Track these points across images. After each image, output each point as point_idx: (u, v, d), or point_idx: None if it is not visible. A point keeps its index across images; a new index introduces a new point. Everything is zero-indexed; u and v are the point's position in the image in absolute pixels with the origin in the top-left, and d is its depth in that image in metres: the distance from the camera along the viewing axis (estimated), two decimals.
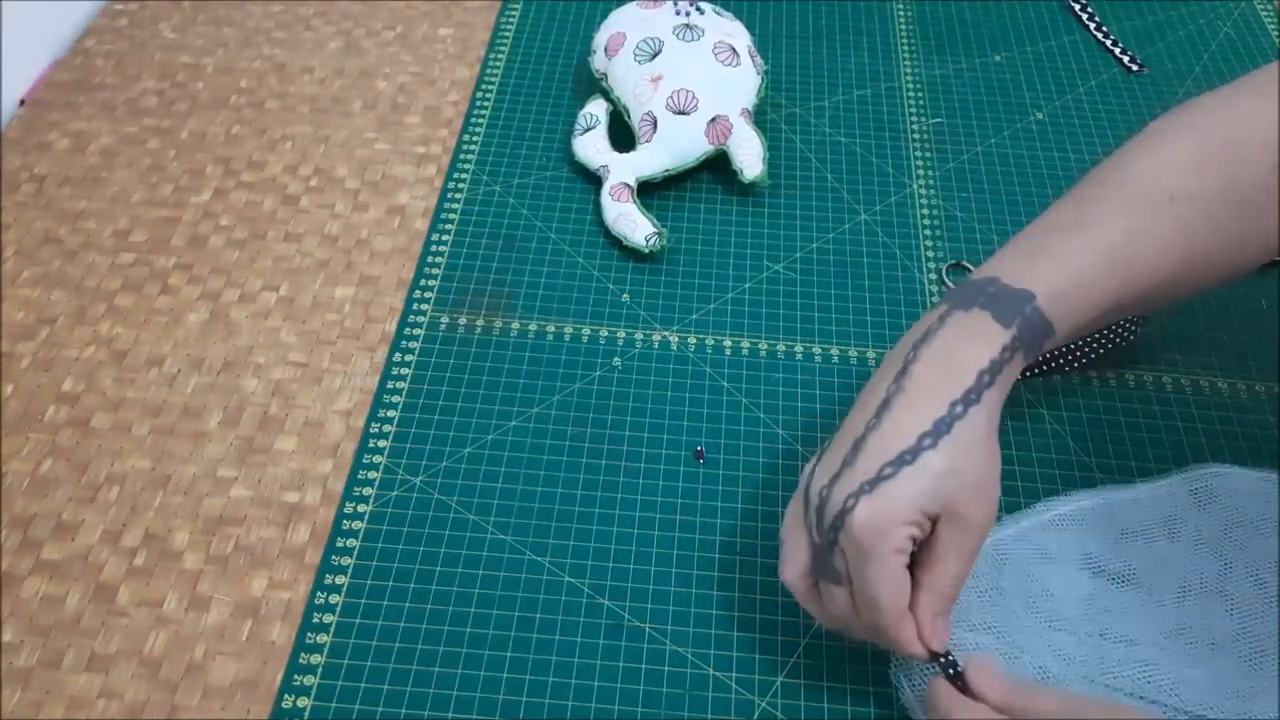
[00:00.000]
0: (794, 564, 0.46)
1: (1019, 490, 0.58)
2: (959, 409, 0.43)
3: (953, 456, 0.43)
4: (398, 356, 0.64)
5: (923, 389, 0.44)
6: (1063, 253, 0.47)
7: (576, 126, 0.75)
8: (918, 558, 0.44)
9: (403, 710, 0.50)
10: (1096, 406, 0.62)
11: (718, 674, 0.52)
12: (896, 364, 0.46)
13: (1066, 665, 0.47)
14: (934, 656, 0.44)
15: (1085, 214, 0.48)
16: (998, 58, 0.86)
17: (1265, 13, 0.91)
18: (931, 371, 0.44)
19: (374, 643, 0.52)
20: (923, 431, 0.43)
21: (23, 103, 0.80)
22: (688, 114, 0.71)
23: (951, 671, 0.44)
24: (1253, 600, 0.50)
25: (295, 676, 0.51)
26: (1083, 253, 0.46)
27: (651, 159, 0.72)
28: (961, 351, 0.44)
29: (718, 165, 0.74)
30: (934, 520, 0.43)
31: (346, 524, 0.56)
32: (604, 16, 0.81)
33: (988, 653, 0.47)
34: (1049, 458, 0.60)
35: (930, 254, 0.70)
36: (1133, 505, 0.52)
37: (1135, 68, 0.85)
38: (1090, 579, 0.50)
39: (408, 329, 0.65)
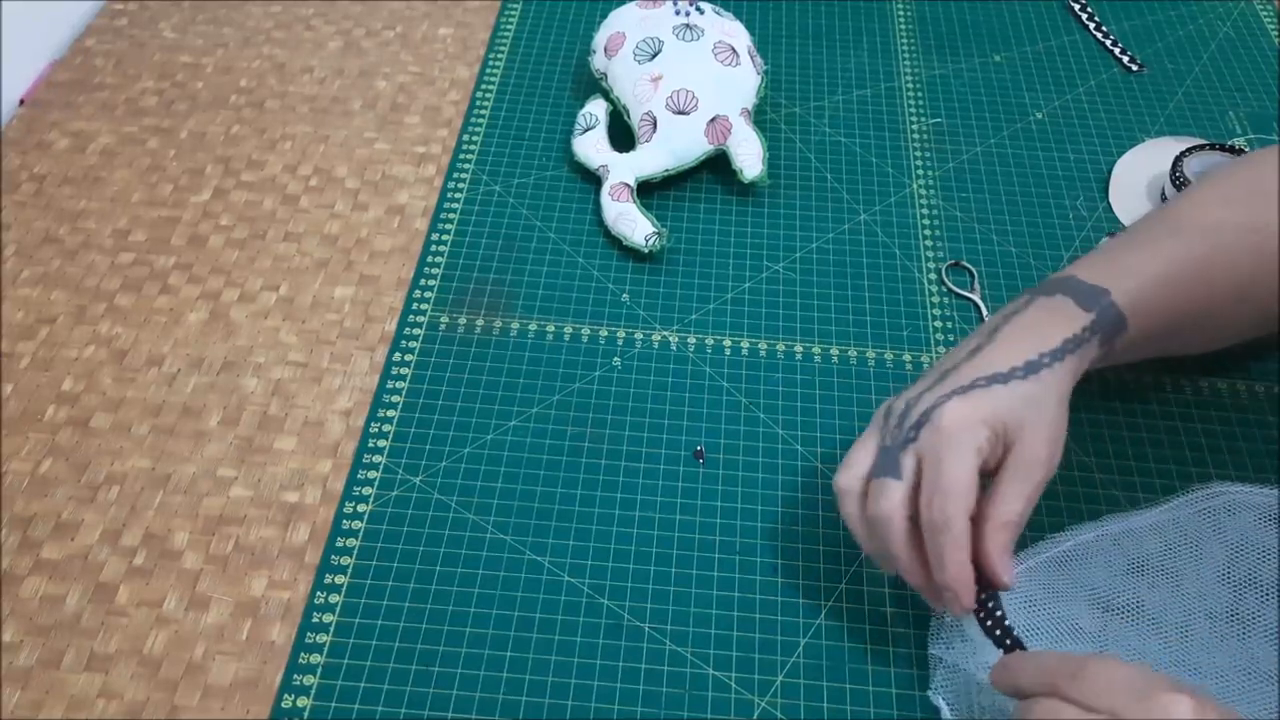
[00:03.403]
0: (853, 470, 0.50)
1: None
2: (1046, 359, 0.49)
3: (1038, 391, 0.48)
4: (397, 356, 0.64)
5: (1014, 340, 0.50)
6: (1126, 264, 0.52)
7: (576, 126, 0.75)
8: (980, 503, 0.47)
9: (403, 710, 0.50)
10: (1096, 406, 0.62)
11: (718, 674, 0.52)
12: (983, 332, 0.51)
13: None
14: (979, 604, 0.46)
15: (1149, 233, 0.54)
16: (998, 58, 0.86)
17: (1265, 13, 0.91)
18: (1021, 333, 0.50)
19: (374, 643, 0.52)
20: (1014, 365, 0.48)
21: (23, 103, 0.80)
22: (688, 114, 0.71)
23: (1000, 630, 0.46)
24: (1264, 626, 0.49)
25: (295, 676, 0.51)
26: (1144, 265, 0.52)
27: (651, 159, 0.72)
28: (1047, 324, 0.50)
29: (718, 165, 0.74)
30: (1004, 449, 0.47)
31: (346, 524, 0.56)
32: (604, 16, 0.82)
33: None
34: None
35: (930, 254, 0.70)
36: (1136, 535, 0.52)
37: (1135, 68, 0.85)
38: (1101, 614, 0.50)
39: (408, 329, 0.65)
